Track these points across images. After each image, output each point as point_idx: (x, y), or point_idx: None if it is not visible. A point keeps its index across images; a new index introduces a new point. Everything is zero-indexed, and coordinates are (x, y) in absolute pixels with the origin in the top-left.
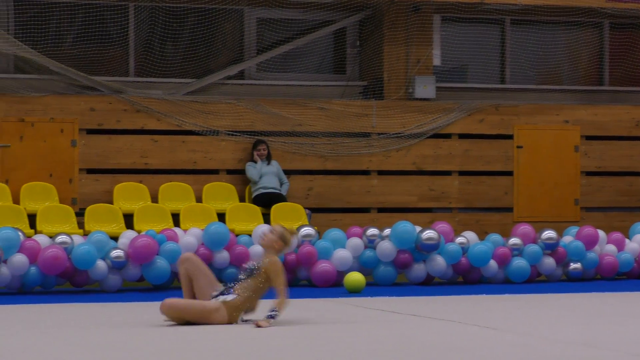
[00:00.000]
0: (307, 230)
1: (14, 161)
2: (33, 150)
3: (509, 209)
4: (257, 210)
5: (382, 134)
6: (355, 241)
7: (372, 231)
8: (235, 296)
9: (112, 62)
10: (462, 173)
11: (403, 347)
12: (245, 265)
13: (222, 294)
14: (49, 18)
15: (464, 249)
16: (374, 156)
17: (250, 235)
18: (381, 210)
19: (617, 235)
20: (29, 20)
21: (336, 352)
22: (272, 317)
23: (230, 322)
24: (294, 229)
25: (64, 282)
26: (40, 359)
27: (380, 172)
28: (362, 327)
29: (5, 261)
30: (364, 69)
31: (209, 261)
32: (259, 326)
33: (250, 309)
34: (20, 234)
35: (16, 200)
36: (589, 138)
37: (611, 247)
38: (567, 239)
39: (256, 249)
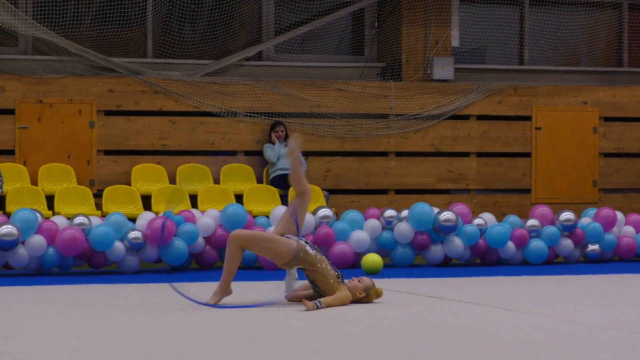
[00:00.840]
0: (325, 211)
1: (33, 142)
2: (51, 132)
3: (527, 191)
4: (275, 191)
5: (400, 115)
6: (373, 222)
7: (389, 212)
8: (315, 254)
9: (130, 43)
10: (480, 154)
11: (421, 328)
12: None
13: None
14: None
15: (482, 230)
16: (392, 137)
17: (267, 216)
18: (399, 191)
19: (635, 216)
20: (47, 2)
21: (354, 333)
22: (318, 305)
23: (290, 261)
24: (380, 290)
25: (82, 263)
26: (58, 340)
27: (398, 154)
28: (379, 309)
29: (23, 242)
30: (383, 51)
31: (225, 243)
32: (306, 306)
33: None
34: (38, 215)
35: (34, 182)
36: (607, 119)
37: (629, 229)
38: (585, 220)
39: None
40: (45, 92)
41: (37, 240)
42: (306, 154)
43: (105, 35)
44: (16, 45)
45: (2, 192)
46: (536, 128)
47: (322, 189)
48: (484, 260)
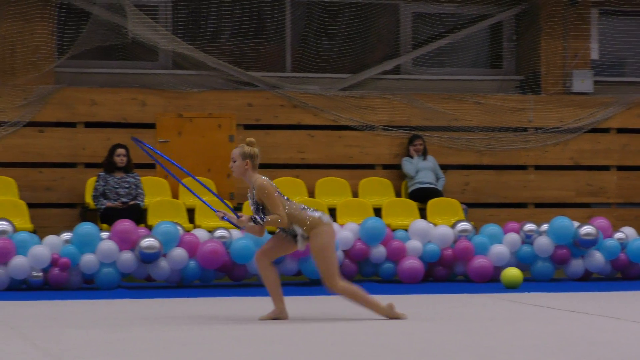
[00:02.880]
0: (464, 225)
1: (173, 156)
2: (191, 146)
3: None
4: (414, 205)
5: (539, 128)
6: (513, 236)
7: (529, 226)
8: (296, 227)
9: (269, 57)
10: (620, 168)
11: (562, 343)
12: (252, 207)
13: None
14: (206, 15)
15: (623, 244)
16: (531, 151)
17: (406, 230)
18: (538, 205)
19: None
20: (187, 17)
21: (494, 347)
22: (256, 221)
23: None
24: (249, 138)
25: (223, 276)
26: (201, 352)
27: (538, 167)
28: (519, 323)
29: (164, 255)
30: (521, 63)
31: (365, 256)
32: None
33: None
34: (179, 228)
35: (175, 195)
36: None
37: None
38: None
39: (412, 244)
40: (185, 106)
41: (179, 253)
42: (444, 167)
43: (244, 49)
44: (156, 60)
45: (143, 205)
46: None
47: (461, 203)
48: (625, 274)
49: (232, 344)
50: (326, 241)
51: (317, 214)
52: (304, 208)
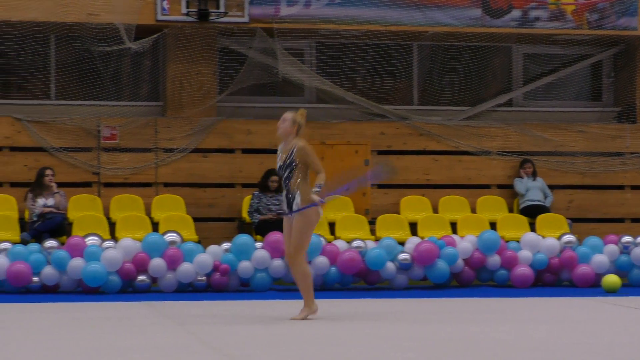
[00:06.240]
0: (569, 237)
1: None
2: (332, 169)
3: None
4: (524, 220)
5: (634, 153)
6: (612, 247)
7: (626, 239)
8: (298, 195)
9: (398, 93)
10: None
11: None
12: (280, 163)
13: (290, 207)
14: (345, 56)
15: None
16: (627, 173)
17: (518, 241)
18: (634, 220)
19: None
20: (328, 59)
21: (593, 344)
22: (319, 189)
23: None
24: (301, 109)
25: (359, 280)
26: (342, 348)
27: (634, 187)
28: (619, 323)
29: (310, 262)
30: (618, 96)
31: (482, 264)
32: (313, 201)
33: (309, 187)
34: (322, 239)
35: None
36: None
37: None
38: None
39: (524, 253)
40: (327, 135)
41: (322, 260)
42: (551, 187)
43: (377, 86)
44: (302, 96)
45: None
46: None
47: (566, 218)
48: None
49: (375, 342)
50: (311, 222)
51: (317, 198)
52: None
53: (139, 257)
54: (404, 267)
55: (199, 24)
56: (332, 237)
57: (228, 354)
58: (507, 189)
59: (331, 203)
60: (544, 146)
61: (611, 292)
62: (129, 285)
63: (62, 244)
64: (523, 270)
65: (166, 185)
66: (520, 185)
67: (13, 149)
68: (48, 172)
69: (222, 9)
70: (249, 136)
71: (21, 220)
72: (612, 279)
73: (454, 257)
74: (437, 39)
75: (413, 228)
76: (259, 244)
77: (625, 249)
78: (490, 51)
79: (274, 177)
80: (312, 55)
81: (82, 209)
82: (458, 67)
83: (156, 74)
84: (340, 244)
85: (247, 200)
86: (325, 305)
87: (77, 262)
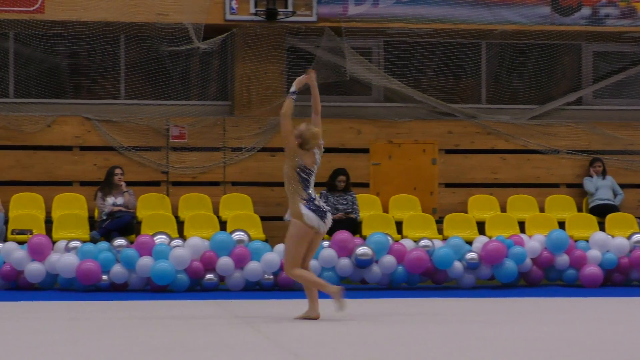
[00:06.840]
0: (639, 237)
1: (384, 177)
2: (400, 168)
3: None
4: (594, 219)
5: None
6: None
7: None
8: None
9: (466, 91)
10: None
11: None
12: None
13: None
14: (413, 55)
15: None
16: None
17: (587, 240)
18: None
19: None
20: (396, 58)
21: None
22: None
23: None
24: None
25: (426, 279)
26: (410, 348)
27: None
28: None
29: (377, 261)
30: None
31: (551, 263)
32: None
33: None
34: (389, 238)
35: (385, 210)
36: None
37: None
38: None
39: (593, 253)
40: (395, 134)
41: (389, 259)
42: (621, 186)
43: (445, 85)
44: (370, 95)
45: (359, 218)
46: None
47: (636, 217)
48: None
49: (443, 342)
50: (294, 233)
51: (305, 211)
52: (307, 199)
53: (206, 255)
54: (471, 267)
55: (267, 23)
56: (399, 236)
57: (295, 352)
58: (577, 188)
59: (398, 201)
60: (614, 145)
61: None
62: (197, 284)
63: (131, 242)
64: (592, 270)
65: (234, 184)
66: (589, 184)
67: (83, 148)
68: (117, 171)
69: (290, 9)
70: None
71: (91, 218)
72: None
73: (522, 257)
74: (506, 37)
75: (481, 227)
76: (325, 243)
77: None
78: (560, 49)
79: (342, 177)
80: (380, 54)
81: (150, 207)
82: (527, 66)
83: (224, 74)
84: (407, 243)
85: None
86: (391, 304)
87: (145, 261)
